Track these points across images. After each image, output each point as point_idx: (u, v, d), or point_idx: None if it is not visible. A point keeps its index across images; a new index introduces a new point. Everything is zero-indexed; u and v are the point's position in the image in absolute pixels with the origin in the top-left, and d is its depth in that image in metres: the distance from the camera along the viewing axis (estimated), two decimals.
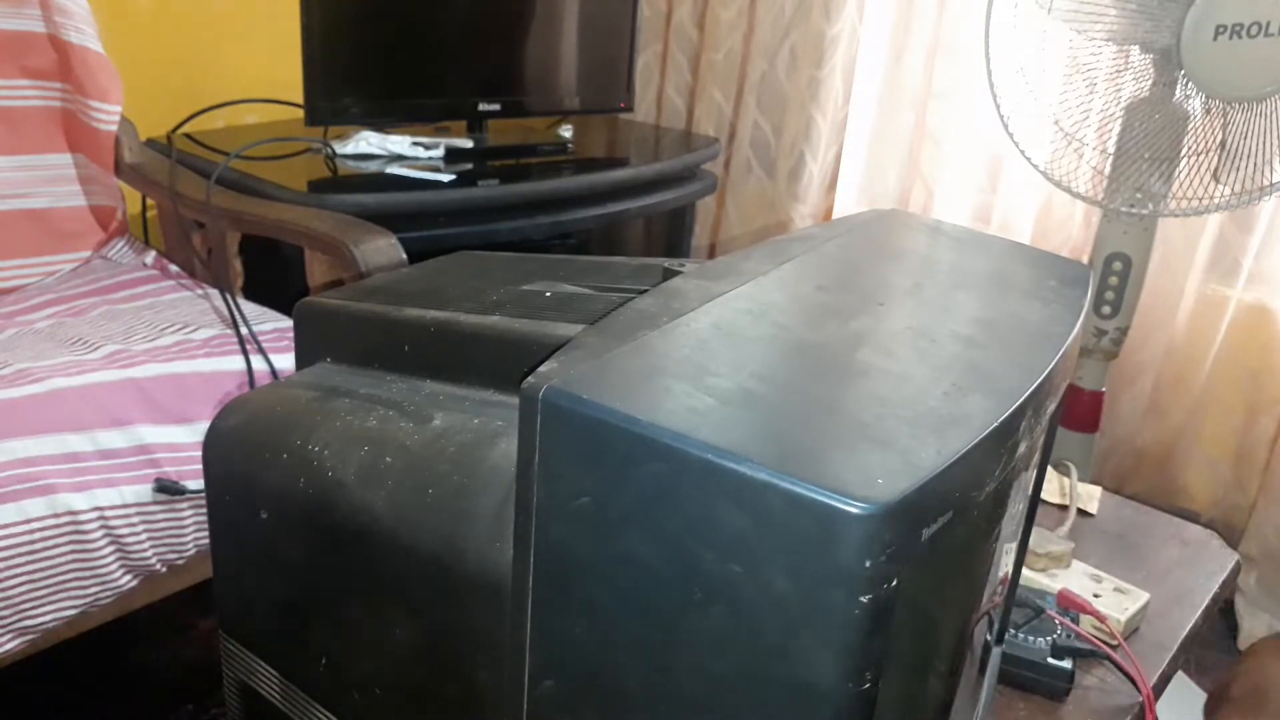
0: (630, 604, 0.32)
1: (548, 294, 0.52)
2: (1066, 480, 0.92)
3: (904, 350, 0.38)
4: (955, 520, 0.31)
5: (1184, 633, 0.76)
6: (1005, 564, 0.50)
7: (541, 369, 0.34)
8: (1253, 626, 1.40)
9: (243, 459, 0.51)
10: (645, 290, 0.44)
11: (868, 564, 0.27)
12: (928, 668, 0.39)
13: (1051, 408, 0.42)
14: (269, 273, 1.24)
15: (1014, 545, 0.51)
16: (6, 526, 0.83)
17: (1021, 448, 0.36)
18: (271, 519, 0.49)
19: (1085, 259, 1.31)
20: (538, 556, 0.34)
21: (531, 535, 0.34)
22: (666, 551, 0.31)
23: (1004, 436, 0.33)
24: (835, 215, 1.76)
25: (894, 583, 0.28)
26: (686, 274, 0.46)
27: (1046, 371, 0.38)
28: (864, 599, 0.28)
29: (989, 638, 0.54)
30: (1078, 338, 0.45)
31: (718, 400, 0.32)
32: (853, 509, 0.27)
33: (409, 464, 0.43)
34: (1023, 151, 1.24)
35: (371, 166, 1.39)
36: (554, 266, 0.57)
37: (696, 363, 0.34)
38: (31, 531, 0.84)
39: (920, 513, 0.29)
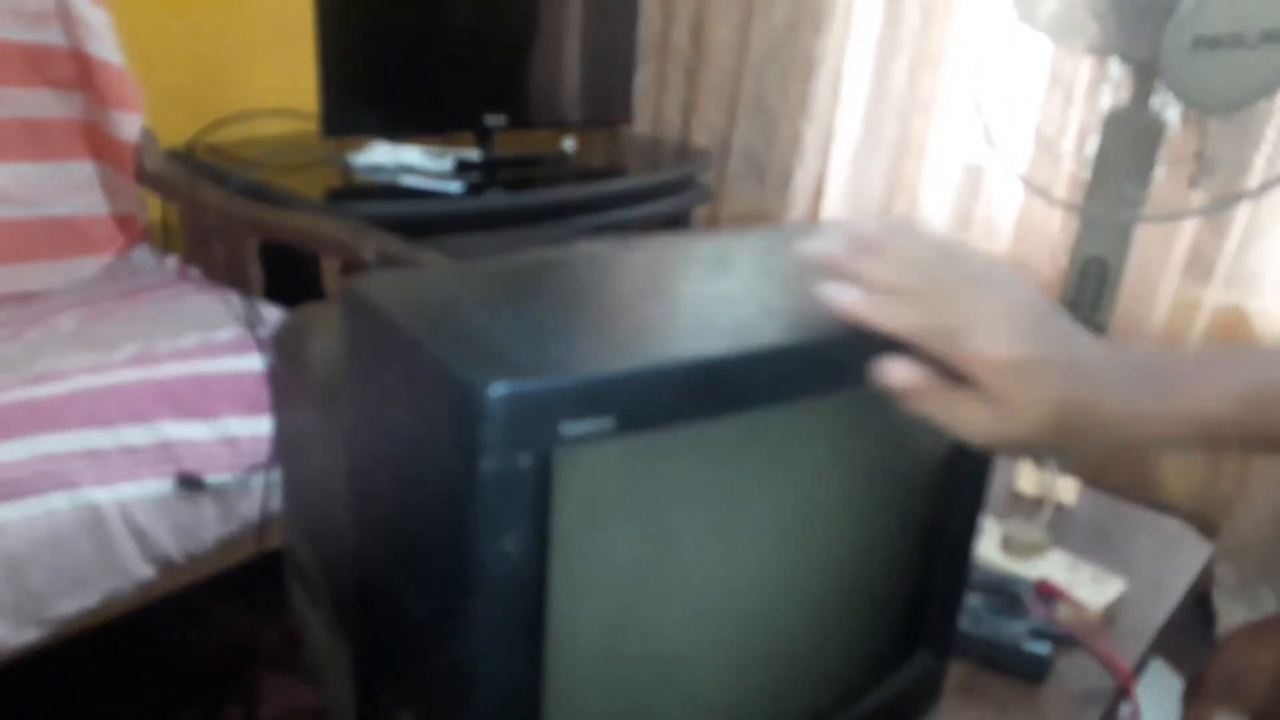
0: (375, 432, 0.44)
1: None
2: (1044, 473, 0.95)
3: (694, 307, 0.45)
4: (622, 430, 0.37)
5: (1159, 621, 0.77)
6: (834, 531, 0.52)
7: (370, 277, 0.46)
8: (1230, 618, 1.42)
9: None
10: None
11: (483, 434, 0.35)
12: (650, 579, 0.45)
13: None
14: (287, 277, 1.27)
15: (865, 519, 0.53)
16: (31, 520, 0.85)
17: (760, 399, 0.41)
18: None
19: (1063, 262, 1.34)
20: (350, 382, 0.45)
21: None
22: (392, 407, 0.41)
23: (697, 375, 0.39)
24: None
25: (523, 459, 0.35)
26: (609, 242, 0.54)
27: (812, 338, 0.43)
28: (485, 464, 0.35)
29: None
30: None
31: (457, 311, 0.41)
32: (473, 386, 0.35)
33: None
34: (1003, 159, 1.27)
35: (384, 176, 1.42)
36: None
37: (479, 288, 0.44)
38: (55, 525, 0.86)
39: (547, 405, 0.36)
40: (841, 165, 1.78)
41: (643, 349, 0.40)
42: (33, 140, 1.23)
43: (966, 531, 0.60)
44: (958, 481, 0.57)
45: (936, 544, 0.59)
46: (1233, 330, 1.44)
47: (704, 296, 0.47)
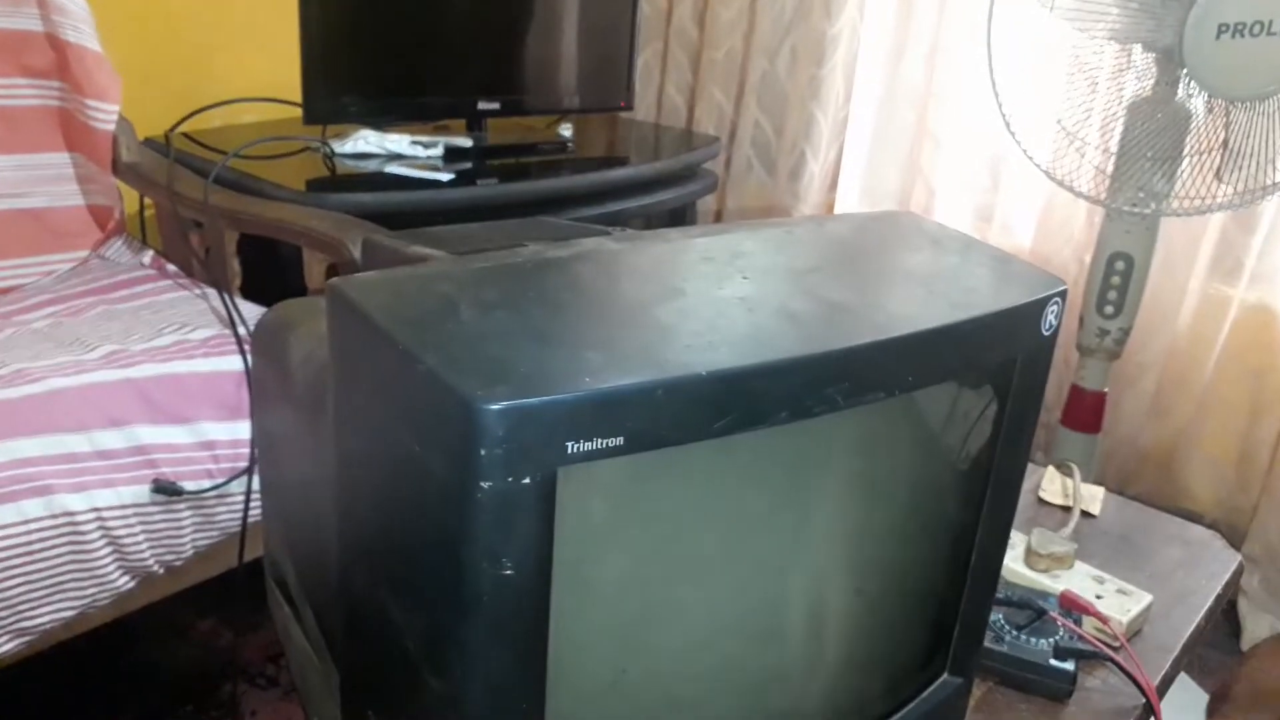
0: (362, 439, 0.41)
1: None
2: (1069, 481, 0.92)
3: (707, 313, 0.42)
4: (631, 449, 0.35)
5: (1186, 634, 0.75)
6: (840, 548, 0.49)
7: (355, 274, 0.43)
8: (1255, 628, 1.40)
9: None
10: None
11: (483, 452, 0.32)
12: (650, 595, 0.43)
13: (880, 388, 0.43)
14: (267, 272, 1.23)
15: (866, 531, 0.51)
16: (4, 527, 0.83)
17: (780, 413, 0.39)
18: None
19: (1087, 258, 1.31)
20: (335, 390, 0.42)
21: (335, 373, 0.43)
22: (380, 421, 0.39)
23: (712, 389, 0.37)
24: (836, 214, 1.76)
25: (526, 479, 0.33)
26: (613, 235, 0.51)
27: (836, 348, 0.40)
28: (485, 484, 0.33)
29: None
30: (962, 331, 0.45)
31: (451, 316, 0.38)
32: (470, 401, 0.32)
33: None
34: (1025, 151, 1.24)
35: (370, 165, 1.39)
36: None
37: (475, 289, 0.41)
38: (29, 532, 0.84)
39: (551, 422, 0.33)
40: (856, 155, 1.74)
41: (654, 361, 0.37)
42: (7, 130, 1.21)
43: (993, 550, 0.58)
44: (984, 497, 0.55)
45: (962, 563, 0.57)
46: (1260, 331, 1.40)
47: (717, 300, 0.44)
